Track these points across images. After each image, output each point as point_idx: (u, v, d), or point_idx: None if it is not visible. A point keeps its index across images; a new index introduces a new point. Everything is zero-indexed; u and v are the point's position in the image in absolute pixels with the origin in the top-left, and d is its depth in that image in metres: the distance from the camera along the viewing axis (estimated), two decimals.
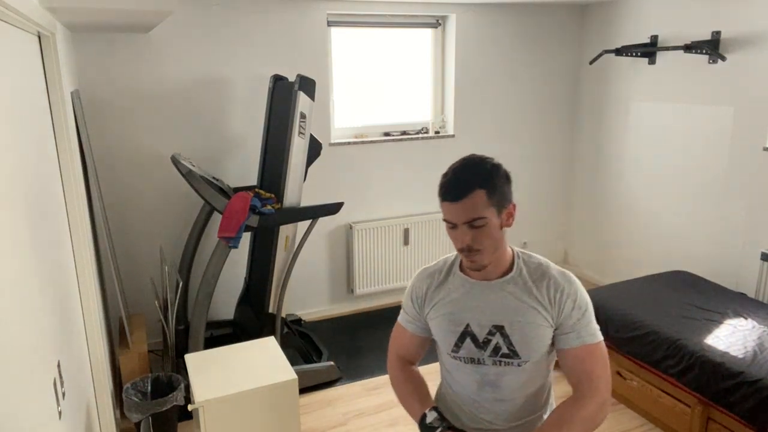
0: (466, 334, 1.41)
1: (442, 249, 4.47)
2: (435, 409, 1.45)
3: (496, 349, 1.39)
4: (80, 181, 2.31)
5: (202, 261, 3.57)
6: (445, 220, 1.35)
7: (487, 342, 1.39)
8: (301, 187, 3.15)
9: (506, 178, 1.35)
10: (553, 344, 1.40)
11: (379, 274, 4.30)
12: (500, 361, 1.39)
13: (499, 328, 1.38)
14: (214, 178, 3.35)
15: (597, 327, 1.39)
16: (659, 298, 3.25)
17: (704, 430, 2.65)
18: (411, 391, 1.52)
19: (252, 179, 3.80)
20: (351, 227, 4.17)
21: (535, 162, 4.81)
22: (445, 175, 1.35)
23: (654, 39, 4.02)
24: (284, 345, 3.43)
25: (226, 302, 3.88)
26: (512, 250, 1.44)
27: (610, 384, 1.38)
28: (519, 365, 1.39)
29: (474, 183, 1.29)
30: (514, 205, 1.37)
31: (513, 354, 1.38)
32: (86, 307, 2.23)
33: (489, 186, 1.30)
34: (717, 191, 3.73)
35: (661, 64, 4.02)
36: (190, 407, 2.25)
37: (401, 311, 1.58)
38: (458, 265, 1.47)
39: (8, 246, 1.14)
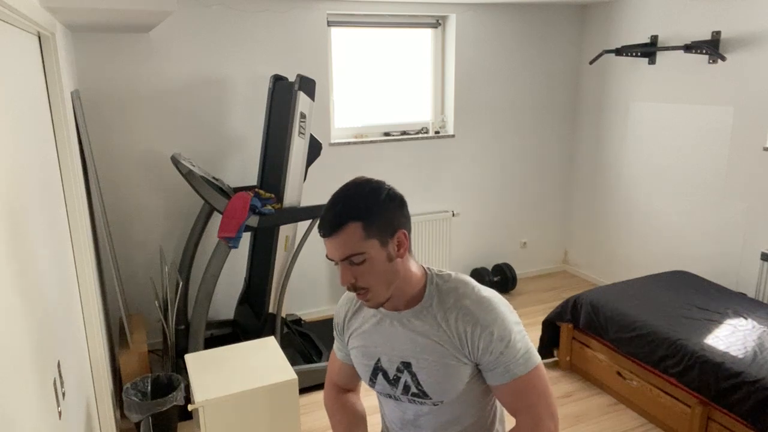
0: (378, 369, 1.28)
1: (442, 249, 4.47)
2: None
3: (407, 388, 1.25)
4: (80, 181, 2.31)
5: (202, 261, 3.57)
6: (327, 256, 1.18)
7: (397, 379, 1.26)
8: (301, 187, 3.15)
9: (390, 202, 1.16)
10: (482, 379, 1.23)
11: None
12: (413, 400, 1.26)
13: (407, 366, 1.23)
14: (214, 178, 3.35)
15: (529, 350, 1.20)
16: (659, 298, 3.25)
17: (704, 430, 2.65)
18: (338, 421, 1.42)
19: (252, 179, 3.80)
20: None
21: (535, 162, 4.81)
22: (325, 206, 1.19)
23: (654, 39, 4.02)
24: (284, 345, 3.43)
25: (226, 302, 3.88)
26: (426, 273, 1.26)
27: (555, 413, 1.22)
28: (435, 404, 1.24)
29: (346, 215, 1.12)
30: (405, 233, 1.18)
31: (423, 394, 1.23)
32: (86, 307, 2.23)
33: (364, 217, 1.12)
34: (717, 191, 3.73)
35: (661, 64, 4.02)
36: (190, 407, 2.25)
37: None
38: None
39: (8, 246, 1.14)
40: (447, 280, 1.24)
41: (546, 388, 1.22)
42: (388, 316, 1.26)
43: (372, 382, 1.30)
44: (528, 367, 1.19)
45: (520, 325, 1.22)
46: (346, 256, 1.13)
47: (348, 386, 1.47)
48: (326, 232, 1.14)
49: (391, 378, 1.27)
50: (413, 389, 1.24)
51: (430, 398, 1.23)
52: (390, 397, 1.30)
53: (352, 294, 1.33)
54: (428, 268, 1.28)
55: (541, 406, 1.20)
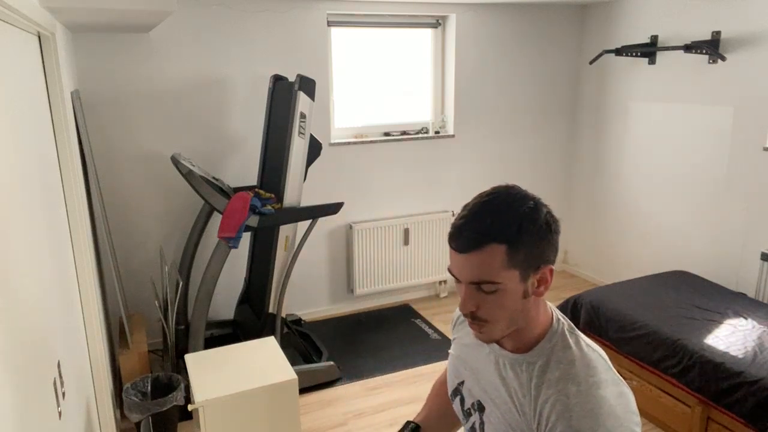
0: (458, 391, 1.14)
1: (443, 249, 4.47)
2: (416, 427, 1.24)
3: (473, 429, 1.10)
4: (80, 181, 2.31)
5: (202, 261, 3.57)
6: (449, 269, 0.99)
7: (468, 414, 1.11)
8: (301, 187, 3.15)
9: (547, 229, 0.97)
10: None
11: (379, 274, 4.30)
12: None
13: (481, 408, 1.06)
14: (214, 178, 3.35)
15: None
16: (659, 298, 3.25)
17: (704, 430, 2.65)
18: (426, 403, 1.33)
19: (252, 179, 3.80)
20: (351, 227, 4.17)
21: (535, 162, 4.81)
22: (463, 209, 0.98)
23: (654, 39, 4.02)
24: (284, 345, 3.43)
25: (226, 302, 3.88)
26: (553, 325, 1.01)
27: None
28: None
29: (492, 233, 0.92)
30: (551, 270, 0.97)
31: None
32: (86, 307, 2.23)
33: (514, 241, 0.92)
34: (717, 191, 3.73)
35: (661, 64, 4.02)
36: (190, 407, 2.25)
37: None
38: None
39: (8, 246, 1.14)
40: (569, 347, 0.98)
41: None
42: (489, 345, 1.07)
43: (452, 398, 1.17)
44: None
45: None
46: (478, 281, 0.94)
47: None
48: (461, 247, 0.94)
49: (464, 409, 1.12)
50: None
51: None
52: (460, 421, 1.17)
53: None
54: (559, 319, 1.03)
55: None
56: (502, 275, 0.93)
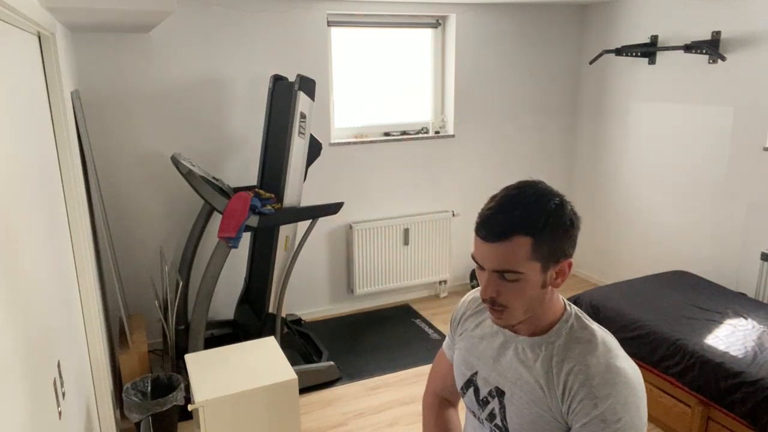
0: (471, 382, 1.16)
1: (443, 249, 4.47)
2: None
3: (492, 416, 1.12)
4: (80, 181, 2.31)
5: (202, 261, 3.57)
6: (473, 256, 1.04)
7: (485, 402, 1.13)
8: (301, 187, 3.15)
9: (570, 225, 1.00)
10: None
11: (379, 274, 4.30)
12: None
13: (500, 394, 1.10)
14: (214, 178, 3.35)
15: None
16: (659, 298, 3.25)
17: (704, 430, 2.65)
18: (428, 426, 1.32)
19: (252, 179, 3.80)
20: (351, 227, 4.17)
21: (535, 162, 4.81)
22: (490, 200, 1.02)
23: (654, 39, 4.02)
24: (284, 345, 3.43)
25: (226, 302, 3.88)
26: (566, 310, 1.09)
27: None
28: None
29: (519, 225, 0.97)
30: (570, 263, 1.03)
31: (504, 430, 1.10)
32: (86, 307, 2.23)
33: (539, 234, 0.97)
34: (717, 191, 3.73)
35: (661, 64, 4.02)
36: (190, 407, 2.25)
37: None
38: None
39: (8, 246, 1.14)
40: (585, 328, 1.06)
41: None
42: (504, 333, 1.12)
43: (463, 392, 1.20)
44: None
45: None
46: (501, 270, 0.99)
47: (452, 394, 1.33)
48: (489, 236, 0.98)
49: (480, 398, 1.15)
50: (498, 421, 1.11)
51: None
52: (474, 414, 1.18)
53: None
54: (570, 305, 1.12)
55: None
56: (525, 266, 0.98)
